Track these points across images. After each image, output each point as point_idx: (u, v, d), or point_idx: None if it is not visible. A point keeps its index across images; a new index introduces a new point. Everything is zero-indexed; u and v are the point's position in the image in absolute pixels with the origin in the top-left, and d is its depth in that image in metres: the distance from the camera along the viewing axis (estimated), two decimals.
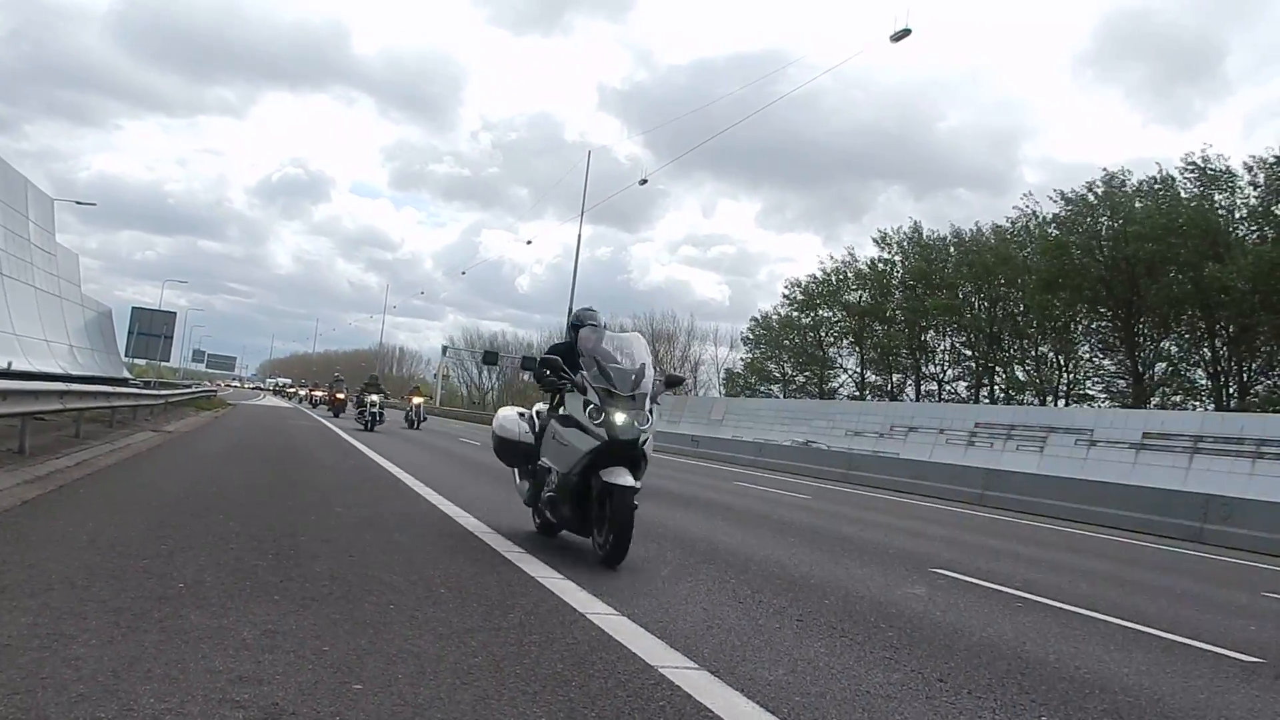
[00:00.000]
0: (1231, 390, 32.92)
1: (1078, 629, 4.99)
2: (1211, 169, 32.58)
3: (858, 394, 47.46)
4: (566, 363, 5.71)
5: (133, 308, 43.58)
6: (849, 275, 48.78)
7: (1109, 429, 22.04)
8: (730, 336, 68.39)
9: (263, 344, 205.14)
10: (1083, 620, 5.29)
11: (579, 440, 5.31)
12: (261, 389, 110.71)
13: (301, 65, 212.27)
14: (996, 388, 42.16)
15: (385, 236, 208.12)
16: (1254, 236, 31.48)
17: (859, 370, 49.10)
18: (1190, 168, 33.12)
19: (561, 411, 5.66)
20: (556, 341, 6.46)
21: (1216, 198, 32.71)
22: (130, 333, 40.42)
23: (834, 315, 49.45)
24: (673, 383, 6.44)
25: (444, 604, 3.89)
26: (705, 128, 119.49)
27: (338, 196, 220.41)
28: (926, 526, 11.26)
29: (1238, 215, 32.46)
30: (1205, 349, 34.17)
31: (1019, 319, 40.56)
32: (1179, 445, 20.15)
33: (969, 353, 43.66)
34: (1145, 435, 20.92)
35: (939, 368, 45.80)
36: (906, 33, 18.83)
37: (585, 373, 5.53)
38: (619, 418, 5.26)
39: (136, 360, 43.95)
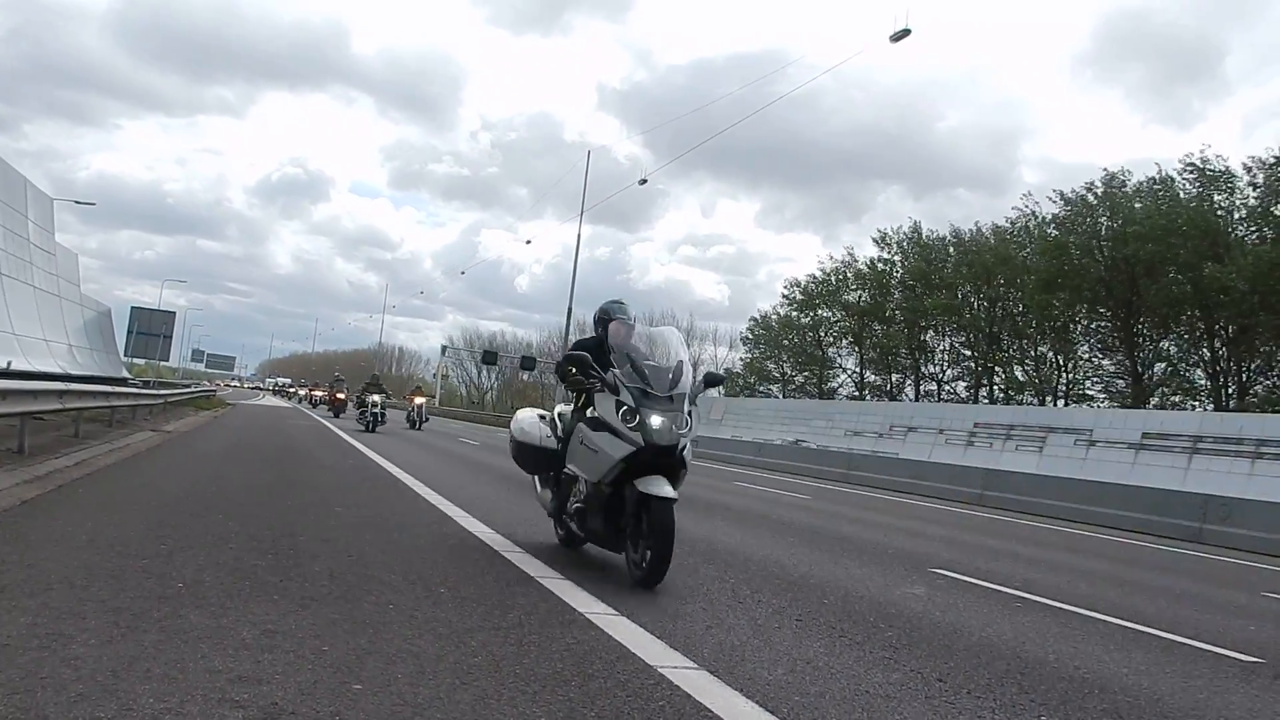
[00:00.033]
0: (1230, 390, 32.95)
1: (1077, 629, 4.99)
2: (1211, 169, 32.63)
3: (857, 394, 47.49)
4: (595, 360, 5.13)
5: (132, 307, 43.74)
6: (848, 275, 48.82)
7: (1108, 429, 22.09)
8: (729, 336, 68.69)
9: (262, 344, 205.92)
10: (1082, 620, 5.29)
11: (611, 446, 4.78)
12: (261, 389, 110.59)
13: (301, 65, 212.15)
14: (996, 388, 42.18)
15: (384, 236, 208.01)
16: (1253, 237, 31.51)
17: (858, 370, 49.14)
18: (1190, 168, 33.18)
19: (590, 414, 5.11)
20: (582, 338, 5.84)
21: (1216, 198, 32.74)
22: (129, 332, 40.50)
23: (833, 315, 49.47)
24: (713, 381, 5.63)
25: (443, 604, 3.88)
26: (705, 128, 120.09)
27: (337, 196, 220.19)
28: (926, 526, 11.26)
29: (1237, 216, 32.48)
30: (1204, 349, 34.21)
31: (1018, 319, 40.56)
32: (1178, 445, 20.21)
33: (968, 353, 43.67)
34: (1144, 435, 20.98)
35: (938, 368, 45.85)
36: (906, 33, 18.87)
37: (617, 370, 4.99)
38: (655, 420, 4.72)
39: (136, 360, 44.04)
